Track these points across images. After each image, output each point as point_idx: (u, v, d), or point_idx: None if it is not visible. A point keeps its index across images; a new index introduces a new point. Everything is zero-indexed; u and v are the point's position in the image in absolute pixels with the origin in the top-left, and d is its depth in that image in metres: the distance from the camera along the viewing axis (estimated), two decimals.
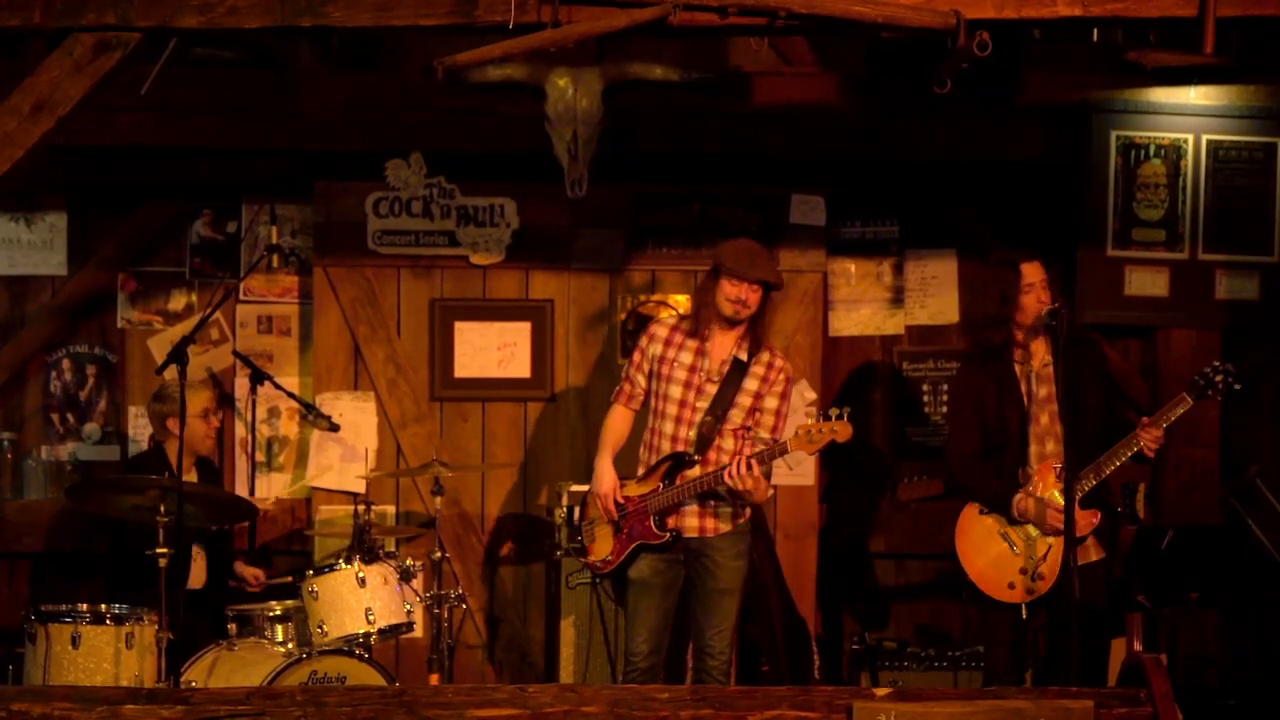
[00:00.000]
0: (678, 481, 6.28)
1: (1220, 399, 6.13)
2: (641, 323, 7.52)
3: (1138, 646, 6.56)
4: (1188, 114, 7.64)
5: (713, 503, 6.33)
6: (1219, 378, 6.01)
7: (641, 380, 6.46)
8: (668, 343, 6.39)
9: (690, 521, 6.35)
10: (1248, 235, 7.69)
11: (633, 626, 6.42)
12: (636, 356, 6.48)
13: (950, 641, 7.57)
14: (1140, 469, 7.10)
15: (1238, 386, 6.04)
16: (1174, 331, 7.75)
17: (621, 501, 6.38)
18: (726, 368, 6.31)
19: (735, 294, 6.25)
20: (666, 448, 6.34)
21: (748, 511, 6.42)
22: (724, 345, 6.35)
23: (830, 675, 7.72)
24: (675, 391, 6.34)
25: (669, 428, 6.35)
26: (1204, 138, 7.65)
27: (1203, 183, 7.66)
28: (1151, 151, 7.66)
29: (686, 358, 6.36)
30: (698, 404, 6.32)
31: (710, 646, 6.38)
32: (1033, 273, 6.12)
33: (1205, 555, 7.18)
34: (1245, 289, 7.71)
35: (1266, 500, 7.56)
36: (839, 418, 6.04)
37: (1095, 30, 7.38)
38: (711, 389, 6.31)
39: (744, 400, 6.31)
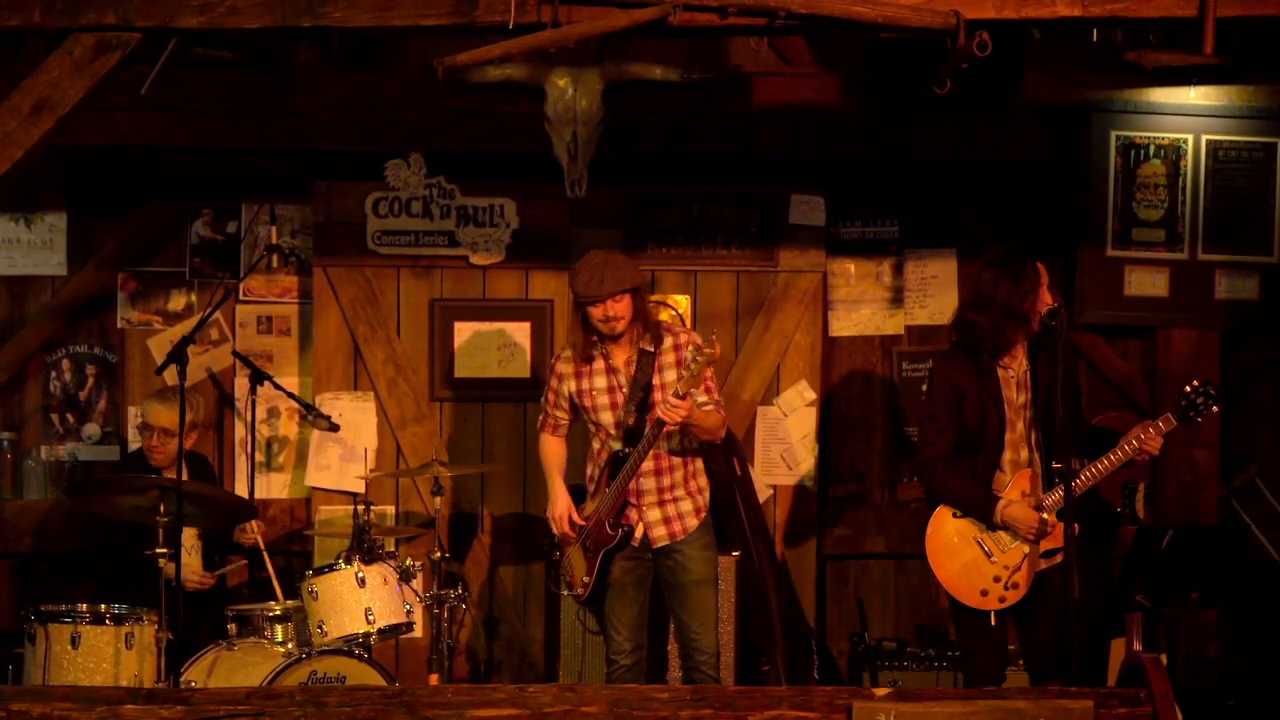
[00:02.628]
0: (621, 474, 6.33)
1: (1201, 420, 6.09)
2: None
3: (1138, 646, 6.54)
4: (1188, 114, 7.65)
5: (673, 507, 6.38)
6: (1200, 399, 5.98)
7: (562, 415, 6.55)
8: (578, 375, 6.44)
9: (659, 531, 6.39)
10: (1248, 235, 7.70)
11: (611, 626, 6.46)
12: (551, 396, 6.54)
13: (950, 641, 7.56)
14: (1140, 468, 7.10)
15: (1215, 408, 6.02)
16: (1174, 331, 7.75)
17: (581, 524, 6.43)
18: (634, 365, 6.34)
19: (600, 314, 6.28)
20: None
21: (705, 505, 6.46)
22: (624, 350, 6.39)
23: (830, 675, 7.72)
24: (606, 417, 6.40)
25: (617, 446, 6.39)
26: (1204, 138, 7.65)
27: (1202, 183, 7.67)
28: (1151, 151, 7.66)
29: (600, 381, 6.41)
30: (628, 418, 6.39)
31: (696, 642, 6.39)
32: (1044, 273, 6.07)
33: (1205, 555, 7.18)
34: (1245, 289, 7.72)
35: (1266, 500, 7.56)
36: (707, 342, 6.08)
37: (1095, 30, 7.37)
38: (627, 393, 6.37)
39: (668, 392, 6.26)
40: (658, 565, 6.44)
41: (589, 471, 6.54)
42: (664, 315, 7.57)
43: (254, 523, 7.15)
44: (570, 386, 6.45)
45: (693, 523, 6.41)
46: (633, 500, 6.36)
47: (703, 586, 6.42)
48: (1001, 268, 6.04)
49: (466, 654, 7.67)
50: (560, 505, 6.50)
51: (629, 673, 6.40)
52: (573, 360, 6.45)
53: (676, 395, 6.09)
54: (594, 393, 6.40)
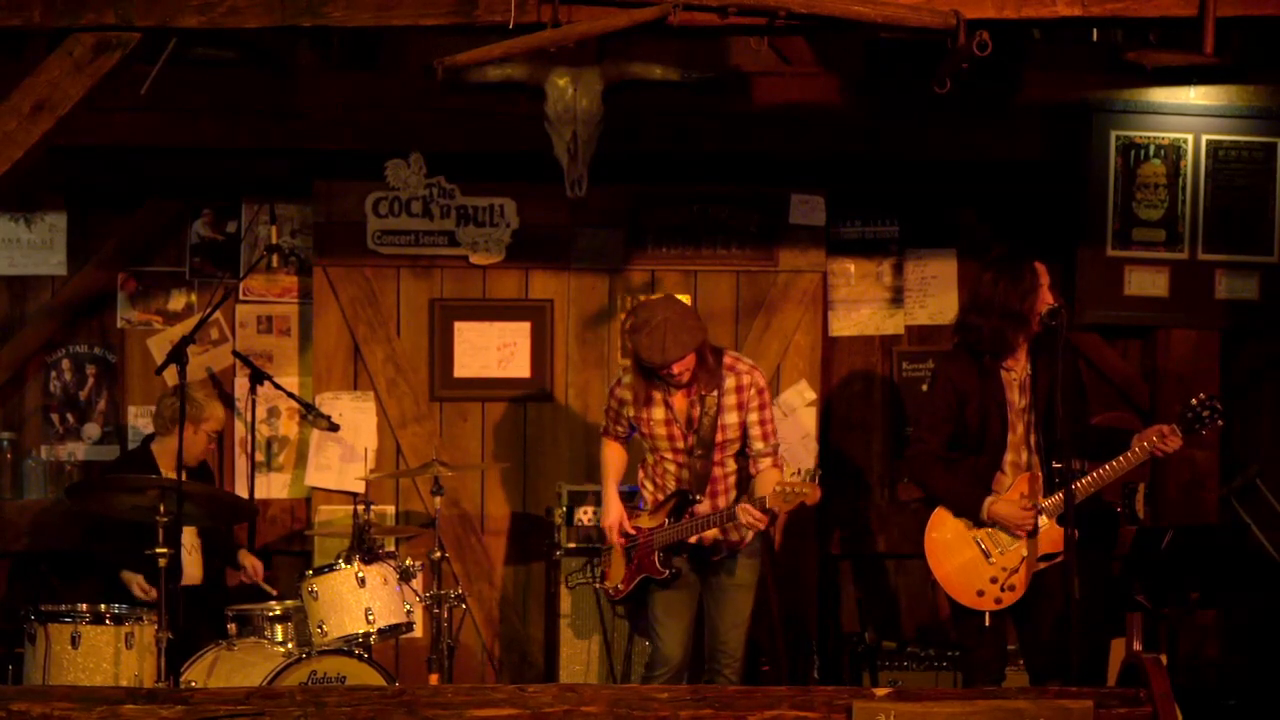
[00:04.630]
0: (684, 519, 6.39)
1: (1205, 433, 6.09)
2: None
3: (1138, 646, 6.54)
4: (1188, 114, 7.65)
5: (730, 524, 6.43)
6: (1206, 413, 5.99)
7: (621, 430, 6.63)
8: (636, 402, 6.47)
9: (715, 545, 6.44)
10: (1248, 235, 7.69)
11: (657, 634, 6.50)
12: (611, 414, 6.62)
13: (950, 641, 7.56)
14: (1140, 469, 7.09)
15: (1221, 422, 6.03)
16: (1174, 331, 7.75)
17: (632, 532, 6.51)
18: (697, 409, 6.38)
19: (665, 375, 6.30)
20: (671, 485, 6.48)
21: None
22: (685, 391, 6.41)
23: (830, 675, 7.72)
24: (663, 445, 6.46)
25: (671, 467, 6.48)
26: (1204, 138, 7.65)
27: (1202, 183, 7.66)
28: (1151, 151, 7.66)
29: (659, 413, 6.44)
30: (683, 447, 6.41)
31: (725, 644, 6.44)
32: (1044, 273, 6.08)
33: (1205, 555, 7.17)
34: (1245, 289, 7.71)
35: (1266, 500, 7.56)
36: (811, 479, 6.19)
37: (1095, 30, 7.38)
38: (692, 437, 6.39)
39: (731, 434, 6.40)
40: (707, 569, 6.50)
41: (641, 477, 6.61)
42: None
43: (250, 564, 7.15)
44: (630, 411, 6.51)
45: (749, 534, 6.45)
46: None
47: (743, 591, 6.48)
48: (1001, 269, 6.05)
49: (466, 654, 7.67)
50: (613, 515, 6.56)
51: (673, 680, 6.43)
52: (631, 390, 6.49)
53: (762, 509, 6.16)
54: (652, 422, 6.45)
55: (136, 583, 6.90)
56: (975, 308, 6.10)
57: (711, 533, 6.41)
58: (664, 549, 6.42)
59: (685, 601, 6.48)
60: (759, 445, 6.39)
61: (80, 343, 7.91)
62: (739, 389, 6.38)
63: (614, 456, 6.68)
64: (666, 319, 6.23)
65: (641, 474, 6.61)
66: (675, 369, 6.26)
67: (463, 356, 7.79)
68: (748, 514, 6.20)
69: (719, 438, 6.37)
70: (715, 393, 6.35)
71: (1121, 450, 6.02)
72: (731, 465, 6.45)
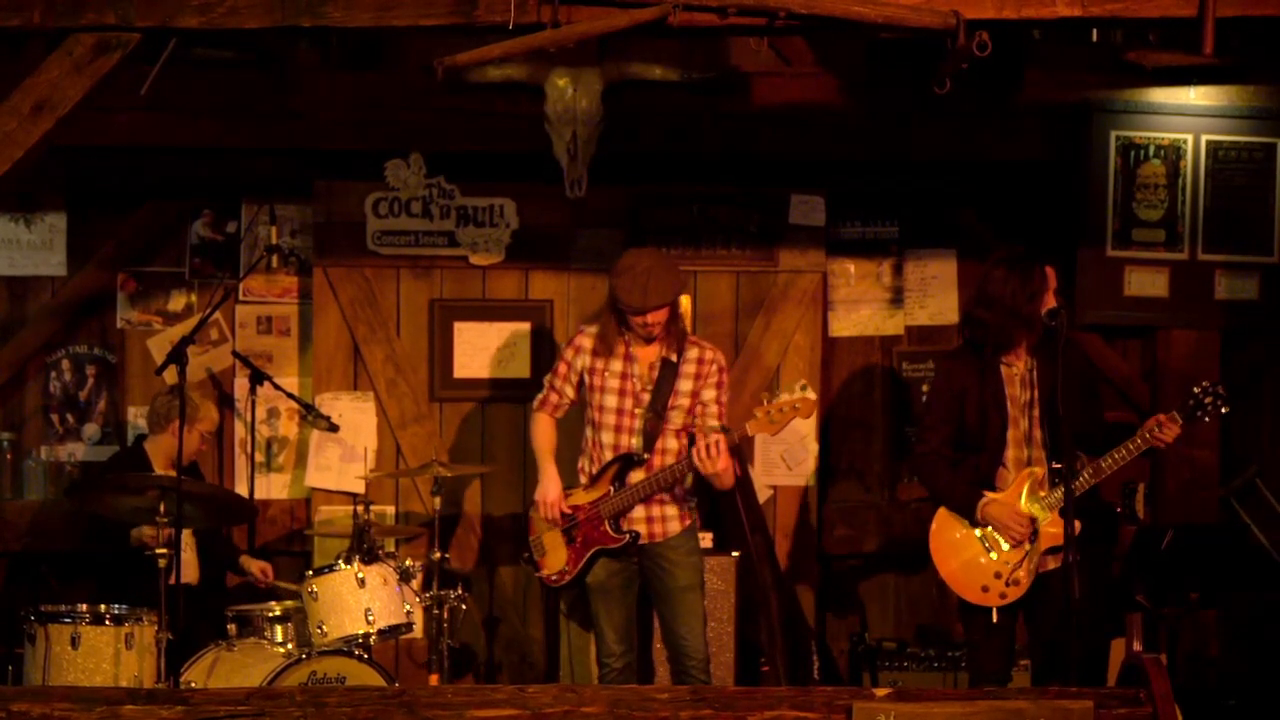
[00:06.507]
0: (629, 481, 6.31)
1: (1209, 420, 6.10)
2: None
3: (1138, 646, 6.54)
4: (1187, 114, 7.65)
5: (659, 508, 6.37)
6: (1209, 399, 6.00)
7: (569, 391, 6.52)
8: (595, 353, 6.43)
9: (639, 529, 6.39)
10: (1247, 235, 7.69)
11: (600, 629, 6.49)
12: (562, 368, 6.53)
13: (950, 642, 7.57)
14: (1140, 469, 7.10)
15: (1225, 410, 6.03)
16: (1174, 332, 7.75)
17: (569, 511, 6.42)
18: (656, 371, 6.37)
19: (639, 322, 6.29)
20: (609, 456, 6.39)
21: (694, 511, 6.48)
22: (649, 350, 6.40)
23: (830, 675, 7.72)
24: (611, 401, 6.39)
25: (609, 437, 6.39)
26: (1204, 138, 7.65)
27: (1202, 183, 7.67)
28: (1151, 151, 7.66)
29: (617, 365, 6.40)
30: (635, 410, 6.37)
31: (685, 646, 6.40)
32: (1053, 277, 6.09)
33: (1205, 555, 7.18)
34: (1245, 289, 7.71)
35: (1266, 500, 7.57)
36: (803, 389, 6.10)
37: (1095, 30, 7.38)
38: (646, 396, 6.36)
39: (682, 401, 6.37)
40: (644, 569, 6.44)
41: (581, 463, 6.52)
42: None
43: (258, 569, 7.20)
44: (585, 361, 6.44)
45: (675, 526, 6.41)
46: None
47: (691, 592, 6.43)
48: (1011, 268, 6.06)
49: (466, 654, 7.67)
50: (552, 491, 6.44)
51: (621, 675, 6.43)
52: (594, 338, 6.45)
53: (730, 438, 6.11)
54: (607, 374, 6.39)
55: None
56: (982, 303, 6.11)
57: (638, 512, 6.32)
58: (614, 516, 6.34)
59: (619, 595, 6.44)
60: (713, 424, 6.32)
61: (80, 343, 7.91)
62: (700, 360, 6.38)
63: (547, 430, 6.54)
64: (652, 266, 6.24)
65: (582, 462, 6.49)
66: (651, 318, 6.23)
67: (463, 357, 7.79)
68: (703, 454, 6.08)
69: (671, 402, 6.34)
70: (675, 357, 6.33)
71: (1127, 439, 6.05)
72: (673, 443, 6.36)
